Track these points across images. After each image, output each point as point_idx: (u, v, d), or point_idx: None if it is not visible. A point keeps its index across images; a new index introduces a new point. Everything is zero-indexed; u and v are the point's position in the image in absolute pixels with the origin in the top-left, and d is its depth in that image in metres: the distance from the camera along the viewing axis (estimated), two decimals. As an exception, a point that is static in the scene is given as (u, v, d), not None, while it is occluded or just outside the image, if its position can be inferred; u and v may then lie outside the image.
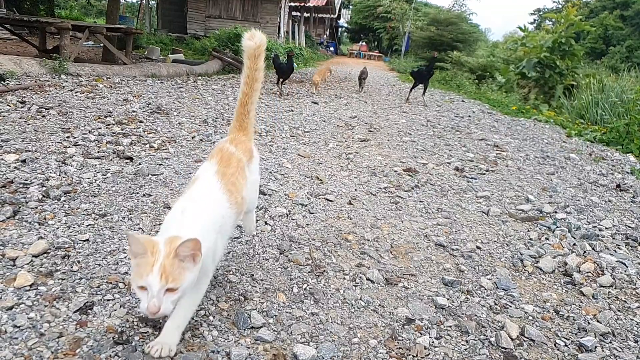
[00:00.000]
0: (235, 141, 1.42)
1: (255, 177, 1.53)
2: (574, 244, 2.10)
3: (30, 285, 1.32)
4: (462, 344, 1.34)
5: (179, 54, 9.31)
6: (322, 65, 13.07)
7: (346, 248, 1.88)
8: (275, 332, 1.29)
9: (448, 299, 1.56)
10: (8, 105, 3.28)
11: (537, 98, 8.06)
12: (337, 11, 25.18)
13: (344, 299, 1.50)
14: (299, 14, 19.33)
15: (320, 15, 24.63)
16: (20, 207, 1.79)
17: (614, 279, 1.78)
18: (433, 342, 1.33)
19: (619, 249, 2.09)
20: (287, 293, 1.49)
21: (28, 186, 2.00)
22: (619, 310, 1.58)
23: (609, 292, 1.70)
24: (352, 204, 2.39)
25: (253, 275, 1.57)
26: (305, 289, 1.53)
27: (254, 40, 1.44)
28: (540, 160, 3.79)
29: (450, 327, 1.41)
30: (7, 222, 1.67)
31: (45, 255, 1.50)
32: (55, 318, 1.21)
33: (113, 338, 1.17)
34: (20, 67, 4.52)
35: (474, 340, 1.36)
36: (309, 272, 1.64)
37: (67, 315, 1.23)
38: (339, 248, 1.87)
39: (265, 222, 2.02)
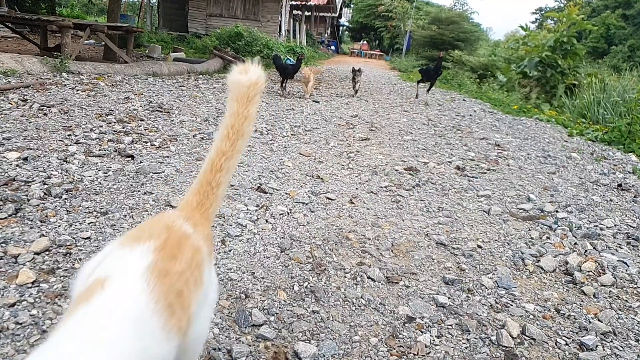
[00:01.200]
0: (193, 220, 0.84)
1: (213, 295, 0.88)
2: (575, 243, 2.09)
3: (32, 283, 1.33)
4: (463, 343, 1.34)
5: (180, 52, 9.31)
6: (320, 64, 13.04)
7: (347, 246, 1.88)
8: (277, 330, 1.29)
9: (449, 298, 1.56)
10: (10, 104, 3.29)
11: (538, 97, 8.04)
12: (338, 10, 25.15)
13: (345, 297, 1.50)
14: (300, 12, 19.31)
15: (321, 14, 24.59)
16: (22, 205, 1.80)
17: (615, 278, 1.78)
18: (434, 340, 1.33)
19: (620, 248, 2.08)
20: (288, 291, 1.49)
21: (30, 184, 2.01)
22: (620, 310, 1.58)
23: (610, 291, 1.70)
24: (353, 203, 2.39)
25: (254, 273, 1.57)
26: (306, 287, 1.53)
27: (247, 75, 0.93)
28: (541, 159, 3.79)
29: (451, 325, 1.41)
30: (9, 220, 1.68)
31: (47, 252, 1.50)
32: (57, 315, 1.22)
33: (115, 335, 1.17)
34: (22, 65, 4.52)
35: (475, 338, 1.36)
36: (309, 270, 1.64)
37: (69, 313, 1.23)
38: (339, 246, 1.87)
39: (266, 221, 2.02)
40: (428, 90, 6.93)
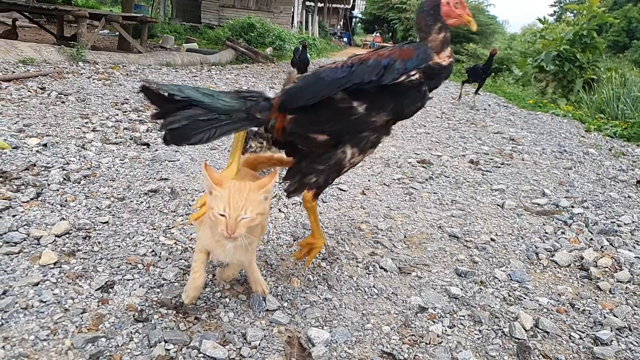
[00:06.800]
0: None
1: None
2: (591, 239, 2.06)
3: (54, 264, 1.37)
4: (475, 333, 1.34)
5: (193, 43, 9.34)
6: (332, 56, 12.86)
7: (359, 237, 1.89)
8: (290, 316, 1.31)
9: (461, 289, 1.55)
10: (29, 91, 3.35)
11: (555, 92, 7.87)
12: (351, 1, 24.88)
13: (357, 286, 1.51)
14: (312, 3, 19.17)
15: (334, 6, 24.37)
16: (42, 189, 1.85)
17: (632, 274, 1.75)
18: (446, 330, 1.34)
19: (638, 245, 2.05)
20: (301, 278, 1.51)
21: (50, 169, 2.06)
22: (636, 306, 1.55)
23: (626, 287, 1.68)
24: (365, 194, 2.39)
25: (267, 260, 1.59)
26: (319, 275, 1.54)
27: None
28: (557, 154, 3.72)
29: (463, 316, 1.41)
30: (31, 203, 1.72)
31: (67, 235, 1.54)
32: (79, 295, 1.25)
33: (133, 316, 1.20)
34: (40, 54, 4.60)
35: (487, 330, 1.36)
36: (322, 259, 1.66)
37: (90, 293, 1.27)
38: (352, 237, 1.88)
39: (280, 210, 2.04)
40: (476, 92, 6.24)
